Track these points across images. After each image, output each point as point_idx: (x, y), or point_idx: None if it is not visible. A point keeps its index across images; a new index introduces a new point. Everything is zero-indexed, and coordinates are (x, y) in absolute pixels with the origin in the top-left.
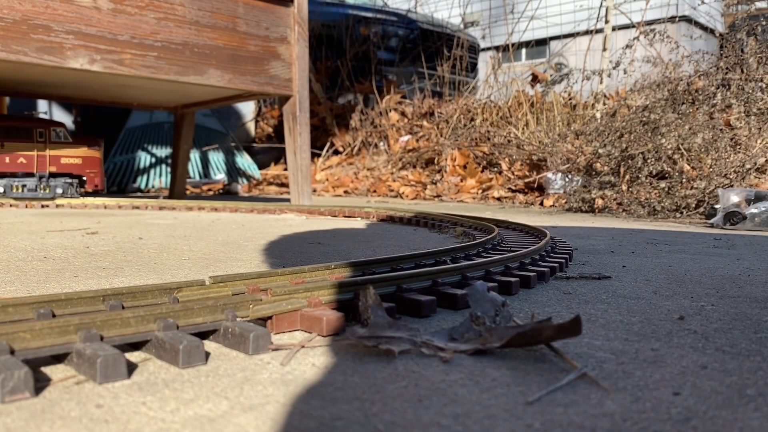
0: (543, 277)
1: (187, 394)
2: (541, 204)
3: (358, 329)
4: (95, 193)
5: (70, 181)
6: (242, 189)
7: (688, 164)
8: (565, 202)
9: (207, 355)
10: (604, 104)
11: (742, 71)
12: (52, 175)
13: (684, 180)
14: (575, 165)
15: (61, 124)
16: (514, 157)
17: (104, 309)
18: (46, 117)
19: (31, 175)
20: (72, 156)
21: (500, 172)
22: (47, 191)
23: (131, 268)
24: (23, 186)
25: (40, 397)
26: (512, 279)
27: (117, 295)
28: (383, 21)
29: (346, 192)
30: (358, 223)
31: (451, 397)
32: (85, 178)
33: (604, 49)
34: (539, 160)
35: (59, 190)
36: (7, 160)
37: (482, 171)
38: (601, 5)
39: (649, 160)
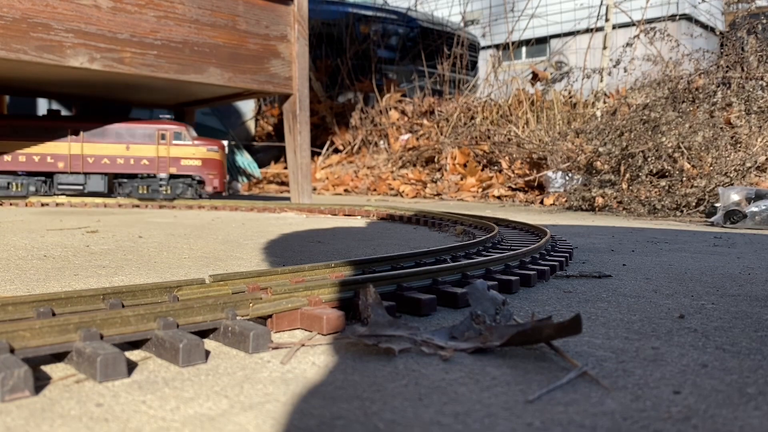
0: (543, 275)
1: (187, 392)
2: (542, 202)
3: (358, 328)
4: (218, 195)
5: (189, 182)
6: (242, 187)
7: (689, 163)
8: (566, 201)
9: (207, 353)
10: (605, 103)
11: (743, 69)
12: (173, 176)
13: (684, 178)
14: (575, 163)
15: (182, 125)
16: (514, 155)
17: (104, 308)
18: (169, 118)
19: (152, 176)
20: (191, 157)
21: (500, 171)
22: (168, 192)
23: (131, 266)
24: (148, 187)
25: (40, 396)
26: (512, 277)
27: (117, 294)
28: (383, 19)
29: (346, 190)
30: (358, 222)
31: (452, 396)
32: (203, 180)
33: (605, 48)
34: (539, 158)
35: (179, 191)
36: (132, 161)
37: (482, 169)
38: (601, 3)
39: (649, 159)
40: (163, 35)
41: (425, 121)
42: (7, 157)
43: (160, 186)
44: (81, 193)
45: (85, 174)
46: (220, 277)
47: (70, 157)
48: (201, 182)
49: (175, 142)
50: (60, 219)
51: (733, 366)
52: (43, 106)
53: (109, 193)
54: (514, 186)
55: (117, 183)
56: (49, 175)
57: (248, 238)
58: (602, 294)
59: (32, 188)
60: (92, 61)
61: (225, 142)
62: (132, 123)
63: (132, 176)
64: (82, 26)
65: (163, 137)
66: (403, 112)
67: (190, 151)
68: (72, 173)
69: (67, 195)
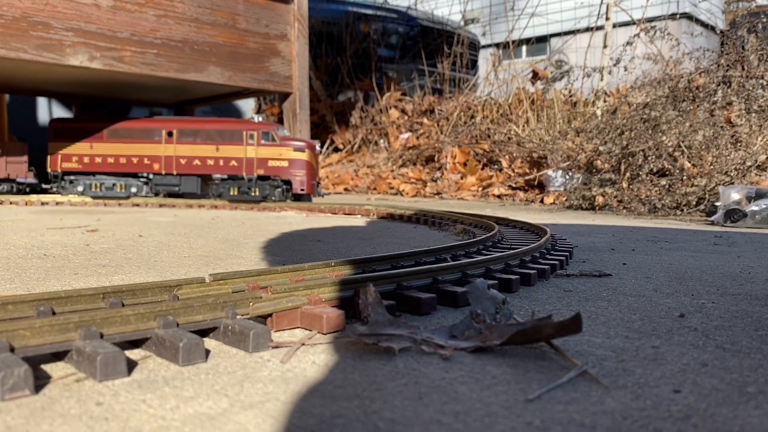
0: (543, 274)
1: (187, 391)
2: (542, 201)
3: (358, 327)
4: (307, 197)
5: (276, 183)
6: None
7: (689, 162)
8: (566, 200)
9: (207, 352)
10: (605, 101)
11: (743, 68)
12: (260, 178)
13: (684, 177)
14: (576, 162)
15: (271, 125)
16: (514, 154)
17: (104, 307)
18: (260, 119)
19: (239, 177)
20: (278, 158)
21: (500, 170)
22: (256, 194)
23: (131, 265)
24: (238, 188)
25: (40, 395)
26: (512, 276)
27: (117, 293)
28: (383, 18)
29: (346, 189)
30: (358, 221)
31: (452, 395)
32: (290, 181)
33: (605, 47)
34: (540, 157)
35: (266, 193)
36: (222, 162)
37: (482, 168)
38: (601, 2)
39: (649, 158)
40: (163, 34)
41: (425, 120)
42: (110, 159)
43: (249, 188)
44: (176, 194)
45: (179, 175)
46: (220, 276)
47: (164, 158)
48: (288, 183)
49: (263, 142)
50: (60, 218)
51: (734, 365)
52: (42, 105)
53: (202, 194)
54: (514, 185)
55: (209, 184)
56: (141, 176)
57: (248, 237)
58: (602, 293)
59: (133, 189)
60: (92, 60)
61: (317, 142)
62: (221, 123)
63: (223, 177)
64: (81, 25)
65: (251, 137)
66: (403, 111)
67: (277, 151)
68: (166, 174)
69: (162, 196)
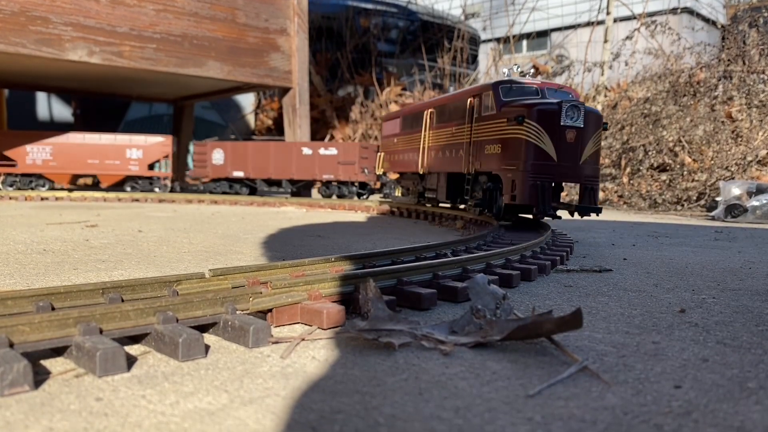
0: (544, 269)
1: (187, 387)
2: None
3: (358, 322)
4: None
5: None
6: None
7: (690, 156)
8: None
9: (207, 348)
10: (606, 96)
11: (744, 63)
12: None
13: (685, 172)
14: None
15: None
16: None
17: (104, 302)
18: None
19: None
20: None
21: None
22: None
23: (131, 260)
24: None
25: (39, 390)
26: (513, 272)
27: (116, 288)
28: (383, 12)
29: None
30: (359, 216)
31: (452, 390)
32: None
33: (606, 41)
34: None
35: None
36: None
37: None
38: None
39: (650, 153)
40: (162, 28)
41: None
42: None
43: None
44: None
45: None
46: (220, 272)
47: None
48: None
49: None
50: (60, 213)
51: (734, 360)
52: (42, 100)
53: None
54: None
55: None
56: None
57: (248, 233)
58: (603, 288)
59: None
60: (91, 55)
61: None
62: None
63: None
64: (80, 20)
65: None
66: (404, 106)
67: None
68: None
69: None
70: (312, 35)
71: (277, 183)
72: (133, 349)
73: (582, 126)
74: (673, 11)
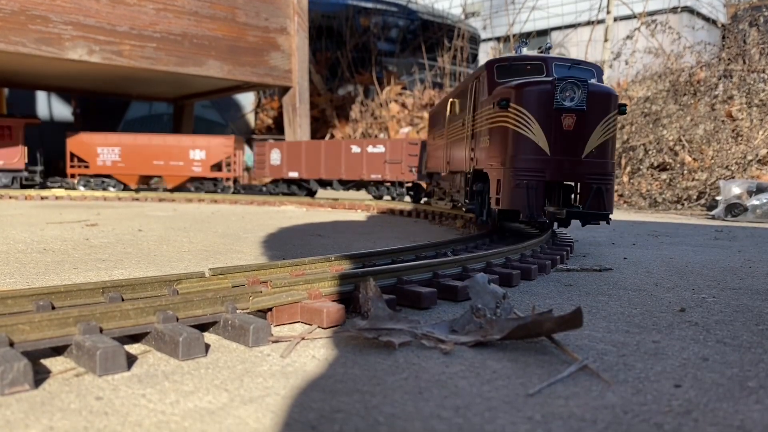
0: (544, 269)
1: (187, 386)
2: None
3: (358, 321)
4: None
5: None
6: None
7: (690, 156)
8: None
9: (207, 347)
10: None
11: (744, 62)
12: None
13: (685, 171)
14: None
15: None
16: None
17: (104, 301)
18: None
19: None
20: None
21: None
22: None
23: (131, 260)
24: None
25: (39, 390)
26: (513, 271)
27: (116, 287)
28: (383, 11)
29: None
30: (359, 215)
31: (452, 389)
32: None
33: (606, 40)
34: None
35: None
36: None
37: None
38: None
39: (650, 152)
40: (162, 27)
41: (426, 114)
42: None
43: None
44: None
45: None
46: (220, 271)
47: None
48: None
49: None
50: (60, 212)
51: (734, 359)
52: (42, 99)
53: None
54: None
55: None
56: None
57: (248, 232)
58: (603, 287)
59: None
60: (91, 54)
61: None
62: None
63: None
64: (80, 18)
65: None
66: (404, 105)
67: None
68: None
69: None
70: (312, 34)
71: (329, 183)
72: (134, 348)
73: (584, 109)
74: (674, 10)
